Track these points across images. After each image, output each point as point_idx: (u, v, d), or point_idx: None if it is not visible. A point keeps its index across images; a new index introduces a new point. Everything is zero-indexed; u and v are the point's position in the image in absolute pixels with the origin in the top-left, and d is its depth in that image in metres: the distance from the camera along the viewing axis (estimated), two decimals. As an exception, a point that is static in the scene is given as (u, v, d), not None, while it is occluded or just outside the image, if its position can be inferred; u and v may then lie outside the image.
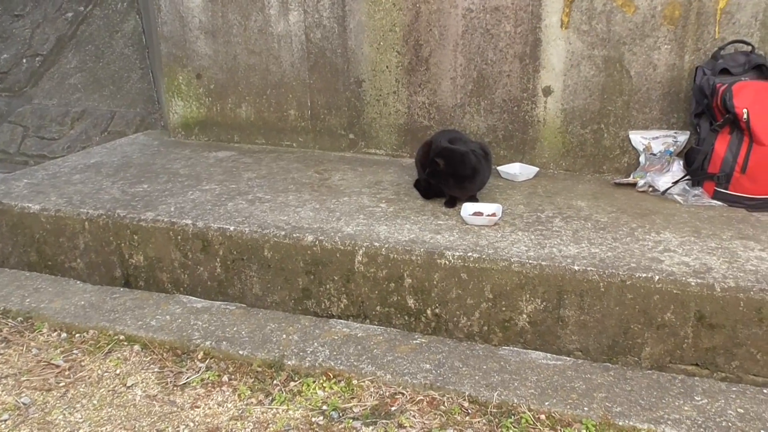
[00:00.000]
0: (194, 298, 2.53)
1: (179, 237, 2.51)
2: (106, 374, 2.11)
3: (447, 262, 2.21)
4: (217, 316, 2.37)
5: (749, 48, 2.74)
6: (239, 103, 3.63)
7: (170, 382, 2.07)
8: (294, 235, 2.38)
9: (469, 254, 2.19)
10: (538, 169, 3.09)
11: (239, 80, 3.58)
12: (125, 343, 2.26)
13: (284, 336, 2.22)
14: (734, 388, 1.94)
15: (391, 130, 3.39)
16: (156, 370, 2.13)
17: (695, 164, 2.69)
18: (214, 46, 3.56)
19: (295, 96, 3.51)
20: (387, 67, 3.29)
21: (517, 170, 3.08)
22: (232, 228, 2.45)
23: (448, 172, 2.51)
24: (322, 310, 2.40)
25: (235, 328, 2.28)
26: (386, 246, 2.28)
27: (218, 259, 2.49)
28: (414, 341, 2.19)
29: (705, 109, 2.70)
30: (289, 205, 2.67)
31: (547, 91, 3.07)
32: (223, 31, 3.52)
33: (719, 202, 2.64)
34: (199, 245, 2.49)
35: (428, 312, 2.27)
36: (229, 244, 2.45)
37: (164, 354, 2.19)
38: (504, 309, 2.18)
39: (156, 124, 4.24)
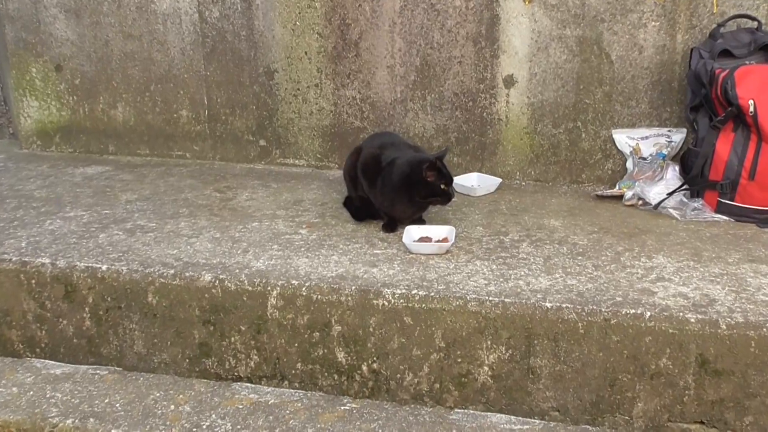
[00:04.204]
0: (54, 362, 2.47)
1: (33, 281, 2.45)
2: (-71, 470, 2.03)
3: (386, 303, 2.20)
4: (84, 385, 2.32)
5: (755, 24, 2.85)
6: (114, 102, 3.58)
7: (18, 476, 2.00)
8: (187, 273, 2.35)
9: (414, 292, 2.20)
10: (500, 180, 3.14)
11: (113, 73, 3.54)
12: (-44, 428, 2.18)
13: (172, 407, 2.18)
14: (745, 451, 2.00)
15: (313, 133, 3.39)
16: (-1, 461, 2.06)
17: (694, 170, 2.77)
18: (79, 29, 3.51)
19: (187, 92, 3.48)
20: (306, 53, 3.30)
21: (474, 182, 3.12)
22: (104, 267, 2.41)
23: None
24: (227, 371, 2.37)
25: (107, 400, 2.23)
26: (308, 284, 2.26)
27: (87, 309, 2.44)
28: (342, 407, 2.18)
29: (703, 101, 2.80)
30: (180, 234, 2.64)
31: (510, 82, 3.13)
32: (90, 9, 3.47)
33: (724, 217, 2.73)
34: (61, 291, 2.44)
35: (364, 368, 2.26)
36: (101, 289, 2.41)
37: (10, 439, 2.13)
38: (460, 360, 2.19)
39: (3, 132, 4.15)
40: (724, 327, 2.02)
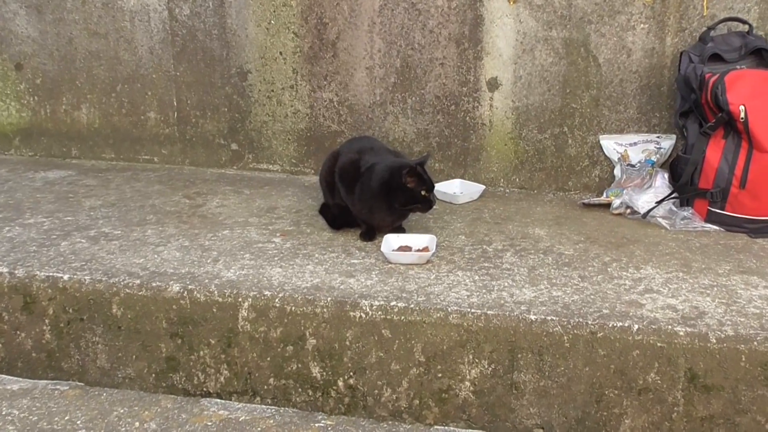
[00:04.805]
0: (10, 377, 2.45)
1: (-10, 291, 2.43)
2: None
3: (363, 315, 2.20)
4: (43, 401, 2.29)
5: (746, 27, 2.88)
6: (78, 103, 3.56)
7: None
8: (154, 284, 2.34)
9: (393, 303, 2.20)
10: (484, 187, 3.16)
11: (77, 72, 3.52)
12: None
13: (137, 424, 2.17)
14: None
15: (288, 137, 3.39)
16: (-49, 483, 2.04)
17: (683, 178, 2.79)
18: (41, 26, 3.49)
19: (155, 93, 3.47)
20: (281, 53, 3.30)
21: (456, 189, 3.13)
22: (66, 277, 2.39)
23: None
24: (195, 386, 2.36)
25: (67, 417, 2.21)
26: (281, 295, 2.26)
27: (47, 321, 2.41)
28: (317, 424, 2.17)
29: (693, 107, 2.82)
30: (147, 242, 2.63)
31: (493, 84, 3.14)
32: (53, 5, 3.46)
33: (714, 226, 2.76)
34: (19, 302, 2.42)
35: (339, 383, 2.26)
36: (62, 300, 2.39)
37: (-37, 460, 2.10)
38: (440, 375, 2.19)
39: (-40, 134, 4.12)
40: (714, 340, 2.03)
